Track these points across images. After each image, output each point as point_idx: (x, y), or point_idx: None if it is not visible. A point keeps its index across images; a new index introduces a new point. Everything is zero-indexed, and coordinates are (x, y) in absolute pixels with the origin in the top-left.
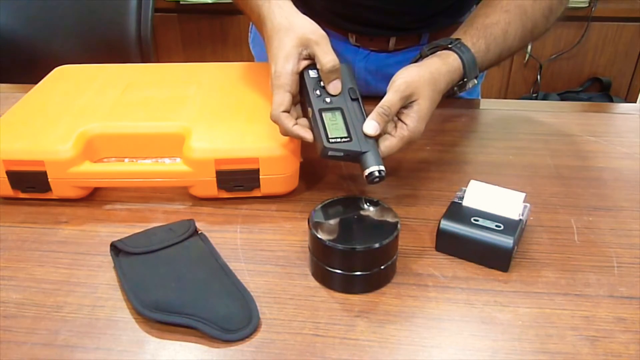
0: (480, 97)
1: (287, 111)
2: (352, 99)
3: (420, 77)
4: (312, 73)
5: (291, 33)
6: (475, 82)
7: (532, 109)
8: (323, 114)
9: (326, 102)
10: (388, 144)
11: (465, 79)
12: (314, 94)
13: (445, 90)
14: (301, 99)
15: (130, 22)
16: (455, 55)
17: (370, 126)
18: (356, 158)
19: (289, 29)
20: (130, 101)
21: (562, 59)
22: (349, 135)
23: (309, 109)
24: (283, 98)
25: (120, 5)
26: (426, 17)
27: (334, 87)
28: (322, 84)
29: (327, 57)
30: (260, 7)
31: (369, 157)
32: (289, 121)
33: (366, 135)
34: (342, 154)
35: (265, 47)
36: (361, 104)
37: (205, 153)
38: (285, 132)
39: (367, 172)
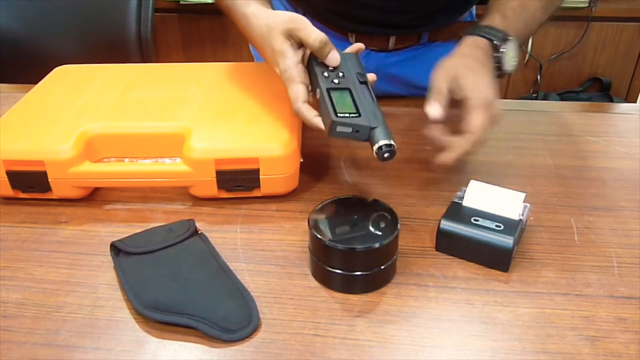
0: None
1: (307, 102)
2: (361, 82)
3: (445, 63)
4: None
5: (274, 34)
6: (512, 47)
7: (532, 109)
8: (331, 93)
9: (334, 83)
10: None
11: (494, 42)
12: (322, 76)
13: (484, 59)
14: (311, 86)
15: (130, 22)
16: (468, 35)
17: (432, 108)
18: (365, 134)
19: (270, 32)
20: (130, 101)
21: (562, 59)
22: (358, 112)
23: (317, 90)
24: (297, 90)
25: (120, 5)
26: (425, 15)
27: (332, 58)
28: (330, 68)
29: (312, 36)
30: (239, 21)
31: (379, 132)
32: (309, 112)
33: (375, 113)
34: (350, 129)
35: (262, 56)
36: (369, 87)
37: (205, 153)
38: (307, 124)
39: (376, 146)
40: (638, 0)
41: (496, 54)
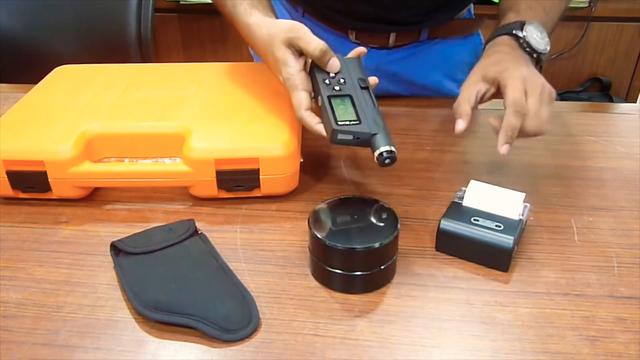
0: None
1: (309, 109)
2: (362, 88)
3: (472, 72)
4: None
5: (275, 43)
6: (533, 28)
7: None
8: (332, 100)
9: (335, 90)
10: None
11: (513, 32)
12: (324, 83)
13: (510, 51)
14: (313, 93)
15: (130, 22)
16: (488, 42)
17: (458, 125)
18: (366, 141)
19: (271, 40)
20: (130, 101)
21: (562, 59)
22: (358, 119)
23: (319, 98)
24: (300, 97)
25: (120, 5)
26: (425, 11)
27: (333, 65)
28: (331, 74)
29: (312, 45)
30: (242, 29)
31: (379, 138)
32: (311, 119)
33: (375, 120)
34: (351, 136)
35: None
36: (371, 93)
37: (205, 153)
38: (310, 131)
39: (377, 152)
40: (638, 0)
41: (521, 41)
